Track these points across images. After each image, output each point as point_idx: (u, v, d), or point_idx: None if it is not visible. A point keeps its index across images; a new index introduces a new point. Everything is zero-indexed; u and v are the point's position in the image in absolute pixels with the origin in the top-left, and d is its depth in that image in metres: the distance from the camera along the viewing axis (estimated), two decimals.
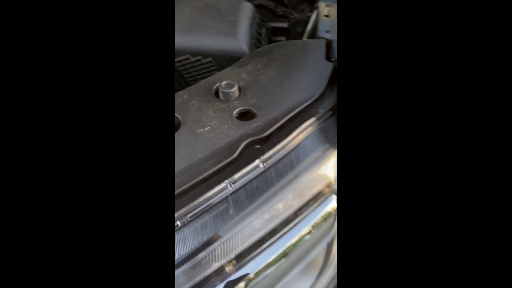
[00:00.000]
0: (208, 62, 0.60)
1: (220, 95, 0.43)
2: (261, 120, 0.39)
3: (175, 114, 0.39)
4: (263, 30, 0.63)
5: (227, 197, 0.35)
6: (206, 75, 0.62)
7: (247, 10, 0.59)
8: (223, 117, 0.40)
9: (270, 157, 0.36)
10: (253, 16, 0.60)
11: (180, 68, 0.62)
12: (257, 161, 0.35)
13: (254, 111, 0.41)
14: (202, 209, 0.34)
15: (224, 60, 0.60)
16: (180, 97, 0.43)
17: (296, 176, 0.37)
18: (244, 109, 0.41)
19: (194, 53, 0.58)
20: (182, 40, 0.57)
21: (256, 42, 0.60)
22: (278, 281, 0.37)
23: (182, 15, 0.59)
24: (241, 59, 0.49)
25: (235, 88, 0.42)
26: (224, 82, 0.42)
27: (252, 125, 0.38)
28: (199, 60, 0.59)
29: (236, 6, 0.59)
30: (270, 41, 0.66)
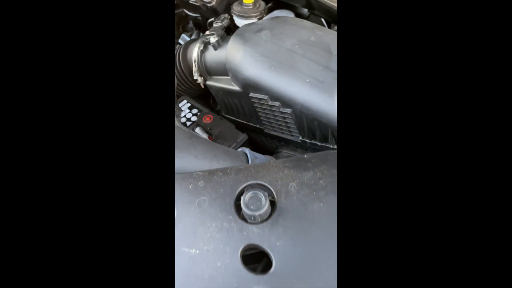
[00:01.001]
0: (286, 113, 0.45)
1: (242, 206, 0.27)
2: (276, 279, 0.23)
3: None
4: None
5: None
6: (282, 123, 0.48)
7: None
8: (225, 244, 0.25)
9: None
10: None
11: (255, 104, 0.50)
12: None
13: (272, 257, 0.25)
14: None
15: (306, 120, 0.44)
16: (192, 183, 0.29)
17: None
18: (256, 247, 0.25)
19: (274, 96, 0.45)
20: (265, 76, 0.45)
21: None
22: None
23: (280, 45, 0.46)
24: (308, 155, 0.31)
25: (263, 210, 0.26)
26: (250, 194, 0.27)
27: (258, 284, 0.23)
28: (276, 106, 0.46)
29: None
30: None
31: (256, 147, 0.62)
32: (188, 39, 0.80)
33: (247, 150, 0.44)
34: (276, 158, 0.55)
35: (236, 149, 0.57)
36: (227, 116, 0.62)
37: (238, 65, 0.48)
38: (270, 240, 0.25)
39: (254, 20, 0.59)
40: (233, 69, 0.49)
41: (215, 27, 0.58)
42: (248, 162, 0.41)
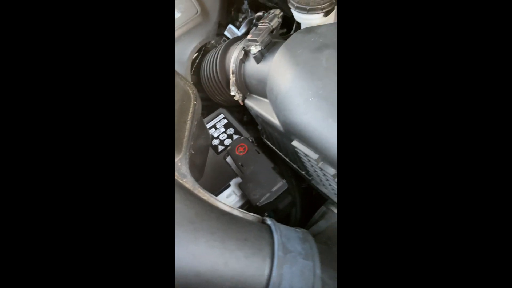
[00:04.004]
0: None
1: None
2: None
3: None
4: None
5: None
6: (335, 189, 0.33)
7: None
8: None
9: None
10: None
11: (300, 154, 0.35)
12: None
13: None
14: None
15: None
16: None
17: None
18: None
19: (329, 159, 0.29)
20: (317, 128, 0.29)
21: None
22: None
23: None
24: None
25: None
26: None
27: None
28: (330, 175, 0.30)
29: None
30: None
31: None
32: (236, 32, 0.65)
33: (273, 226, 0.31)
34: (323, 220, 0.41)
35: (272, 199, 0.44)
36: (268, 142, 0.49)
37: (280, 102, 0.32)
38: None
39: (320, 16, 0.41)
40: (275, 103, 0.34)
41: (259, 30, 0.42)
42: (273, 249, 0.28)
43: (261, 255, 0.28)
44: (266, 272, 0.27)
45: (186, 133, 0.38)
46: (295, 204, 0.48)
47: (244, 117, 0.66)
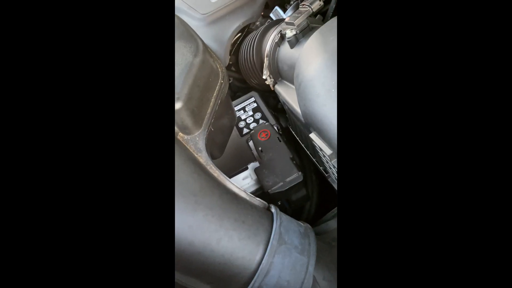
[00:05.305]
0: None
1: None
2: None
3: None
4: None
5: None
6: None
7: None
8: None
9: None
10: None
11: (317, 148, 0.33)
12: None
13: None
14: None
15: None
16: None
17: None
18: None
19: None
20: (333, 122, 0.27)
21: None
22: None
23: None
24: None
25: None
26: None
27: None
28: None
29: None
30: None
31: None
32: (281, 14, 0.63)
33: (276, 214, 0.30)
34: (334, 220, 0.39)
35: (284, 189, 0.43)
36: (293, 132, 0.47)
37: (303, 90, 0.31)
38: None
39: None
40: (298, 91, 0.33)
41: (298, 12, 0.40)
42: (269, 237, 0.28)
43: (255, 240, 0.28)
44: (257, 257, 0.27)
45: (209, 110, 0.38)
46: (310, 199, 0.47)
47: (278, 104, 0.64)
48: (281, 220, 0.30)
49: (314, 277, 0.28)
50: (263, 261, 0.27)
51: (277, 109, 0.64)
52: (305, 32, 0.38)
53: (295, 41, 0.39)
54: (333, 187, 0.40)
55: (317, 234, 0.34)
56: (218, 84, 0.41)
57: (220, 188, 0.31)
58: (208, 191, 0.30)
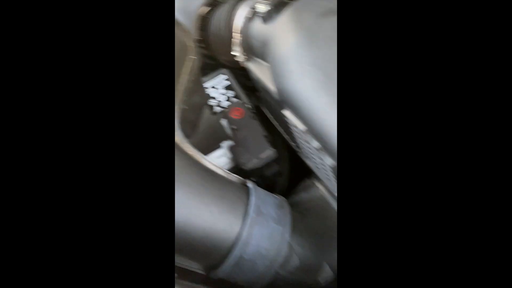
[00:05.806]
0: (327, 164, 0.30)
1: None
2: None
3: None
4: None
5: None
6: (320, 167, 0.33)
7: None
8: None
9: None
10: None
11: (289, 125, 0.35)
12: None
13: None
14: None
15: None
16: None
17: None
18: None
19: (316, 133, 0.29)
20: (307, 99, 0.28)
21: None
22: None
23: None
24: None
25: None
26: None
27: None
28: (315, 149, 0.30)
29: None
30: None
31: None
32: None
33: (252, 189, 0.32)
34: (305, 192, 0.41)
35: (259, 166, 0.45)
36: (265, 110, 0.48)
37: (277, 67, 0.31)
38: None
39: None
40: (272, 68, 0.33)
41: None
42: (247, 209, 0.29)
43: (234, 213, 0.29)
44: (237, 229, 0.29)
45: (181, 87, 0.37)
46: (282, 174, 0.49)
47: (249, 81, 0.64)
48: (258, 194, 0.32)
49: (290, 244, 0.31)
50: (243, 232, 0.28)
51: (248, 87, 0.64)
52: (278, 7, 0.38)
53: (268, 17, 0.38)
54: (304, 162, 0.43)
55: (290, 205, 0.36)
56: (190, 60, 0.39)
57: (197, 166, 0.32)
58: (186, 169, 0.30)
